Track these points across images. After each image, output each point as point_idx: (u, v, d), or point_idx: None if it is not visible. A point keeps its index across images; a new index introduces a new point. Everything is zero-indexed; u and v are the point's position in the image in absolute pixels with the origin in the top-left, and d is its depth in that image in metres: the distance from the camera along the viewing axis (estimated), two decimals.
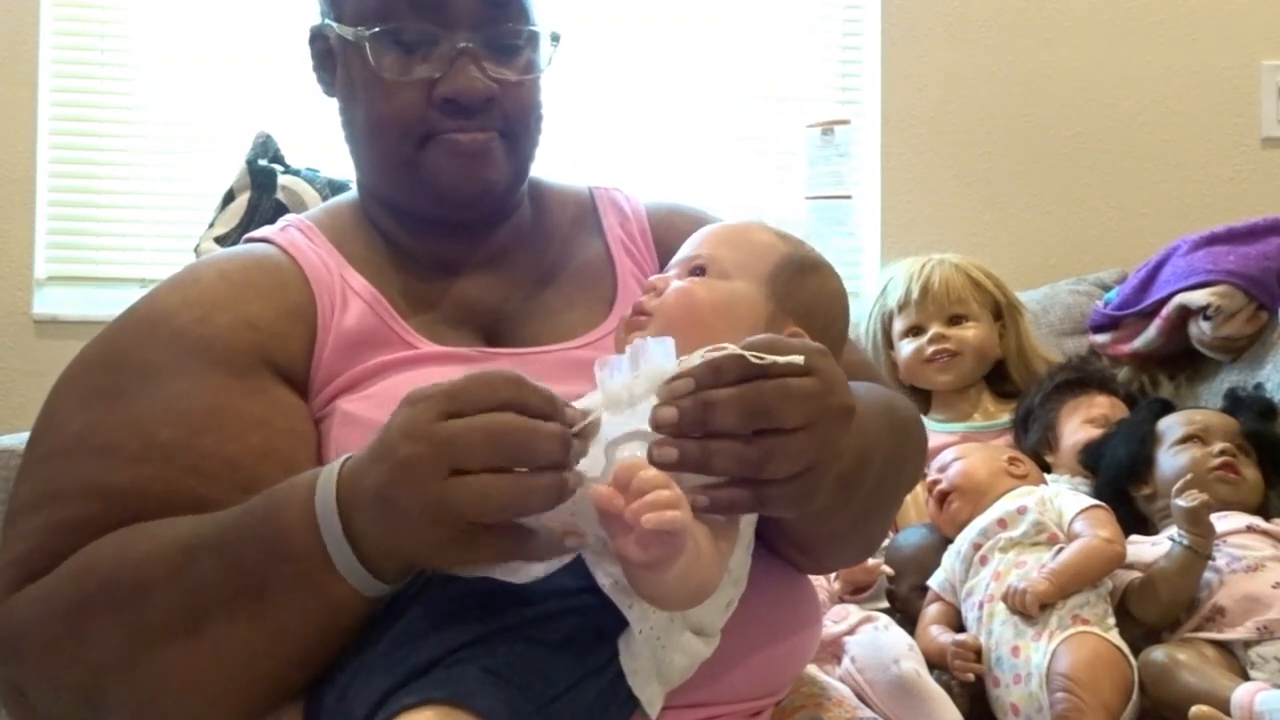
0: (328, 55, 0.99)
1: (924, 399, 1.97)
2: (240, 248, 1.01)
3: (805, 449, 0.68)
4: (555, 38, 0.98)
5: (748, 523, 0.77)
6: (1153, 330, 1.98)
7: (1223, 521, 1.49)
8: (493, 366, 0.70)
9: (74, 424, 0.86)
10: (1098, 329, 2.10)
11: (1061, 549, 1.48)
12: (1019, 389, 1.93)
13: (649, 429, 0.67)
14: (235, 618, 0.73)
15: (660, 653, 0.72)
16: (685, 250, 0.90)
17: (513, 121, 0.95)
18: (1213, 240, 1.98)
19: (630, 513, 0.62)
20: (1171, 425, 1.65)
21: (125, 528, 0.79)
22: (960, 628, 1.53)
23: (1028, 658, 1.40)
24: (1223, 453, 1.59)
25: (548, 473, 0.66)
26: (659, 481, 0.63)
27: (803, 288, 0.87)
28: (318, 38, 1.00)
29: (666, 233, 1.04)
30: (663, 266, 0.95)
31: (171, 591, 0.74)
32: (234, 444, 0.82)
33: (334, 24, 0.96)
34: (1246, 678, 1.34)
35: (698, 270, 0.86)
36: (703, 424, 0.67)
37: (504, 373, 0.68)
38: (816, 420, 0.68)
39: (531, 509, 0.66)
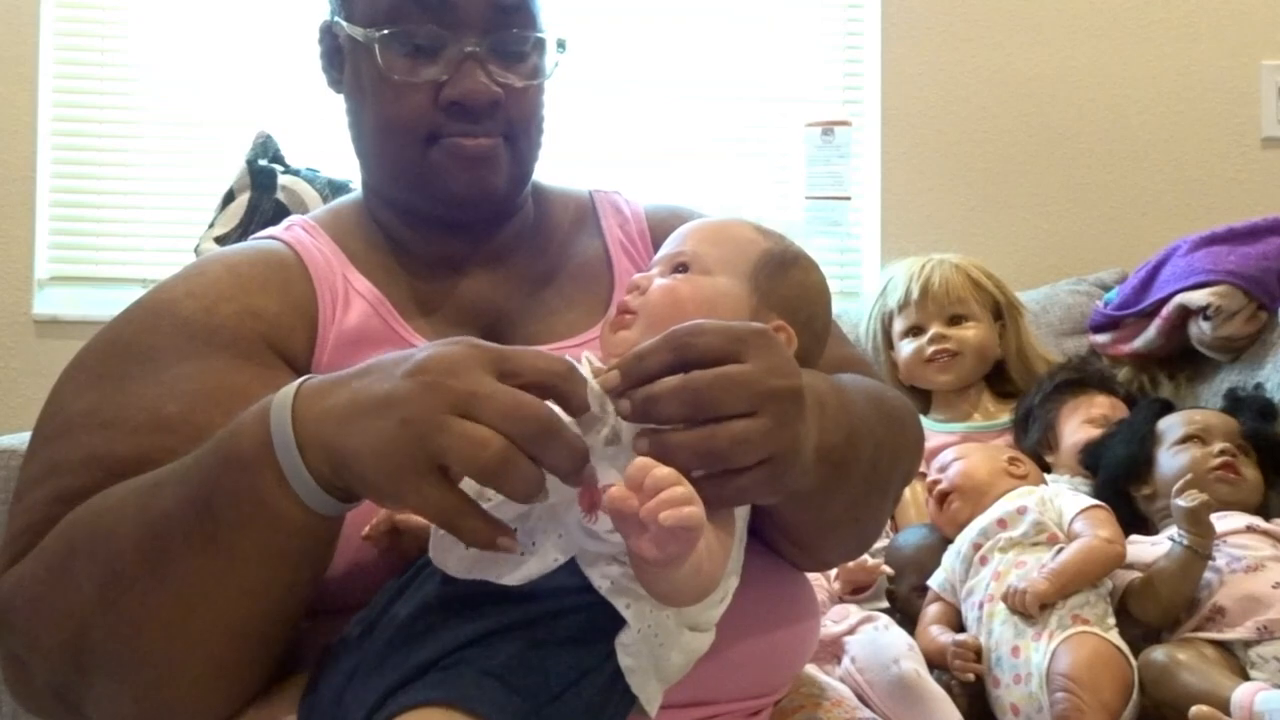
0: (336, 53, 1.00)
1: (924, 399, 1.97)
2: (246, 244, 1.01)
3: (760, 434, 0.68)
4: (561, 44, 0.98)
5: (741, 515, 0.77)
6: (1153, 330, 1.98)
7: (1223, 521, 1.49)
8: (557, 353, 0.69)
9: (78, 405, 0.86)
10: (1098, 329, 2.10)
11: (1061, 549, 1.48)
12: (1019, 389, 1.93)
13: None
14: (191, 543, 0.72)
15: (659, 651, 0.72)
16: (667, 248, 0.90)
17: (516, 126, 0.96)
18: (1213, 240, 1.98)
19: (646, 511, 0.62)
20: (1171, 425, 1.65)
21: (111, 486, 0.79)
22: (960, 628, 1.53)
23: (1028, 658, 1.40)
24: (1223, 453, 1.59)
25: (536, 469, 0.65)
26: (672, 478, 0.63)
27: (785, 282, 0.87)
28: (327, 34, 1.00)
29: (665, 234, 1.03)
30: None
31: (138, 528, 0.74)
32: None
33: (344, 23, 0.96)
34: (1246, 678, 1.34)
35: (681, 267, 0.86)
36: (647, 417, 0.67)
37: (568, 362, 0.68)
38: (763, 404, 0.68)
39: (506, 488, 0.65)
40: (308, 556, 0.74)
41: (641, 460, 0.63)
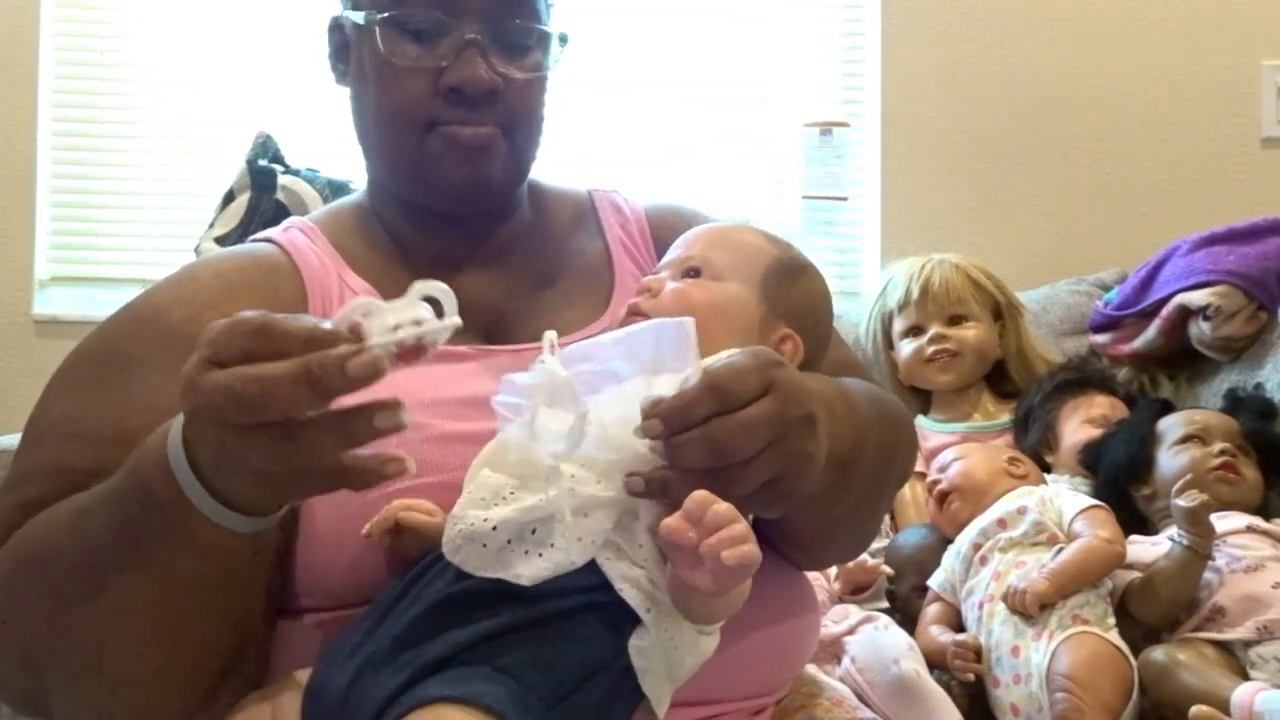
0: (344, 48, 1.00)
1: (924, 399, 1.97)
2: (241, 246, 1.02)
3: (768, 466, 0.70)
4: (564, 40, 0.98)
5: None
6: (1153, 330, 1.98)
7: (1223, 521, 1.49)
8: (276, 318, 0.65)
9: (57, 410, 0.87)
10: (1098, 329, 2.10)
11: (1061, 549, 1.48)
12: (1019, 389, 1.93)
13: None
14: (126, 570, 0.72)
15: (673, 654, 0.73)
16: (676, 251, 0.90)
17: (515, 118, 0.96)
18: (1213, 240, 1.98)
19: (707, 548, 0.63)
20: (1171, 425, 1.65)
21: (57, 502, 0.79)
22: (960, 628, 1.53)
23: (1028, 658, 1.40)
24: (1223, 453, 1.59)
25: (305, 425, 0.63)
26: (732, 515, 0.64)
27: (793, 289, 0.89)
28: (336, 29, 1.01)
29: (666, 232, 1.04)
30: None
31: (73, 554, 0.74)
32: None
33: (349, 12, 0.97)
34: (1246, 678, 1.34)
35: (692, 272, 0.87)
36: (671, 463, 0.69)
37: (249, 321, 0.64)
38: (776, 439, 0.70)
39: (296, 462, 0.64)
40: (244, 569, 0.75)
41: (701, 494, 0.65)
